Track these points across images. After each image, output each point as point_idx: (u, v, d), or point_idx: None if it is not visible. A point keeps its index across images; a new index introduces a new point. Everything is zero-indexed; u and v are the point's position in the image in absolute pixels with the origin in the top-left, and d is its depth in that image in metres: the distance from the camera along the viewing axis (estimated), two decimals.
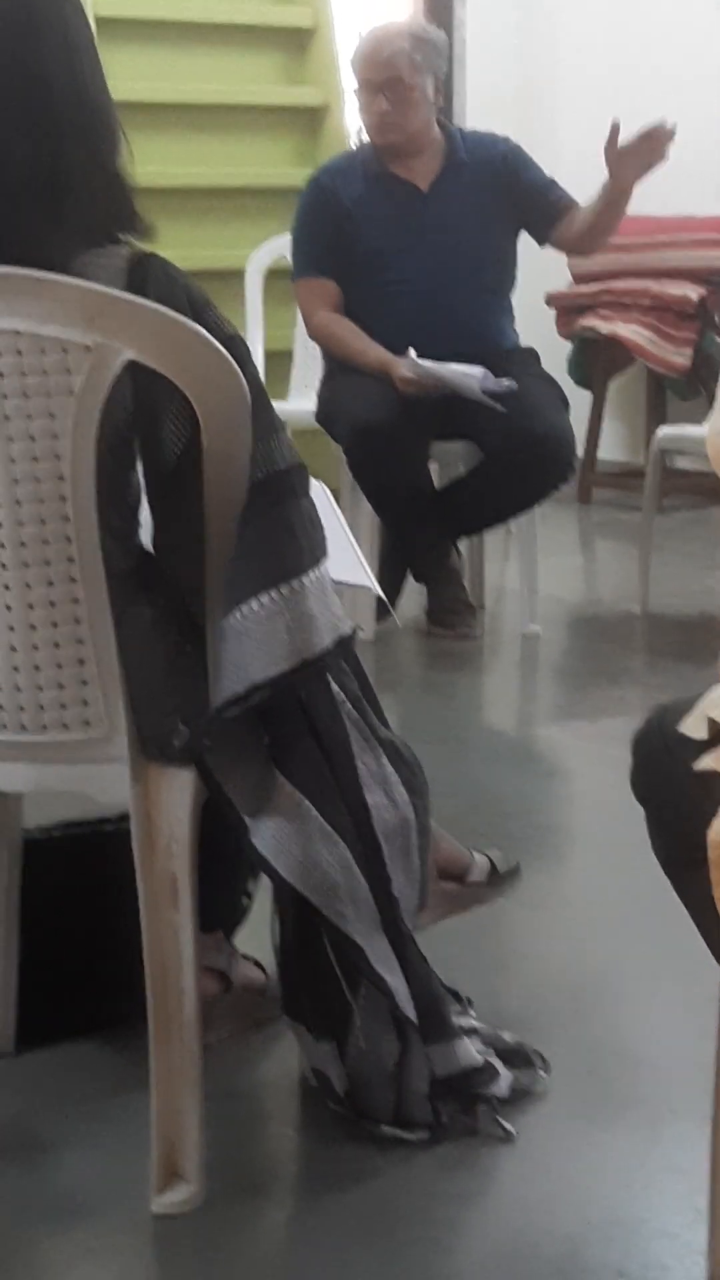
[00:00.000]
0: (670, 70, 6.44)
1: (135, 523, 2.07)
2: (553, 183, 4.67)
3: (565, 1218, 1.98)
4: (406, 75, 4.55)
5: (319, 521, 2.03)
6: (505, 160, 4.67)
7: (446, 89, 4.90)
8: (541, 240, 4.75)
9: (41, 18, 1.94)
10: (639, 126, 4.33)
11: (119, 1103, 2.21)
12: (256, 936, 2.35)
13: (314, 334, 4.77)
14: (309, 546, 1.99)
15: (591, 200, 4.55)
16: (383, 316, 4.58)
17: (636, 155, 4.35)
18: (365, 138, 4.86)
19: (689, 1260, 1.88)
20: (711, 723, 1.78)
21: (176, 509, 1.98)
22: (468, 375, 4.35)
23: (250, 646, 1.92)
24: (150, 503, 2.02)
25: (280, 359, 5.61)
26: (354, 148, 5.38)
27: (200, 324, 1.89)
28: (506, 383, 4.38)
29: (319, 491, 2.13)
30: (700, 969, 1.96)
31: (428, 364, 4.38)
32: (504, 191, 4.64)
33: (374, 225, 4.62)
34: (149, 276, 1.93)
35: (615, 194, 4.47)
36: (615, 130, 4.32)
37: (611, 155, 4.36)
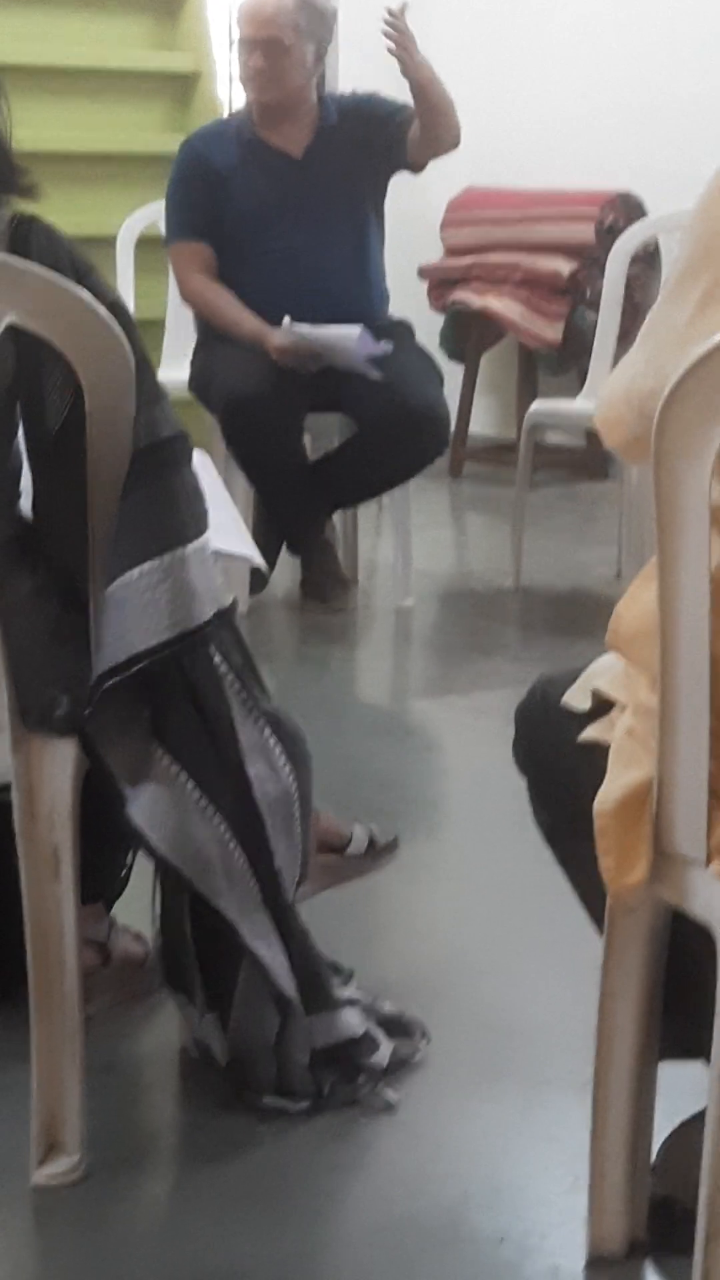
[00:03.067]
0: (541, 45, 6.46)
1: (16, 490, 2.04)
2: (399, 105, 4.63)
3: (446, 1187, 2.00)
4: (286, 36, 4.51)
5: (201, 492, 2.02)
6: (359, 106, 4.68)
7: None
8: (408, 163, 4.67)
9: None
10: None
11: None
12: (135, 907, 2.34)
13: (188, 298, 4.73)
14: (191, 517, 1.98)
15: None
16: (256, 283, 4.56)
17: (396, 45, 4.40)
18: (243, 104, 4.83)
19: (568, 1227, 1.89)
20: (595, 694, 1.79)
21: (59, 477, 1.95)
22: (345, 336, 4.35)
23: (130, 616, 1.91)
24: (32, 470, 2.00)
25: (152, 327, 5.56)
26: (227, 115, 5.35)
27: (84, 289, 1.86)
28: (384, 344, 4.38)
29: (202, 460, 2.12)
30: (576, 938, 1.99)
31: (304, 328, 4.36)
32: (366, 137, 4.61)
33: (246, 192, 4.60)
34: (31, 239, 1.91)
35: (414, 88, 4.48)
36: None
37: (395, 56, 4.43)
